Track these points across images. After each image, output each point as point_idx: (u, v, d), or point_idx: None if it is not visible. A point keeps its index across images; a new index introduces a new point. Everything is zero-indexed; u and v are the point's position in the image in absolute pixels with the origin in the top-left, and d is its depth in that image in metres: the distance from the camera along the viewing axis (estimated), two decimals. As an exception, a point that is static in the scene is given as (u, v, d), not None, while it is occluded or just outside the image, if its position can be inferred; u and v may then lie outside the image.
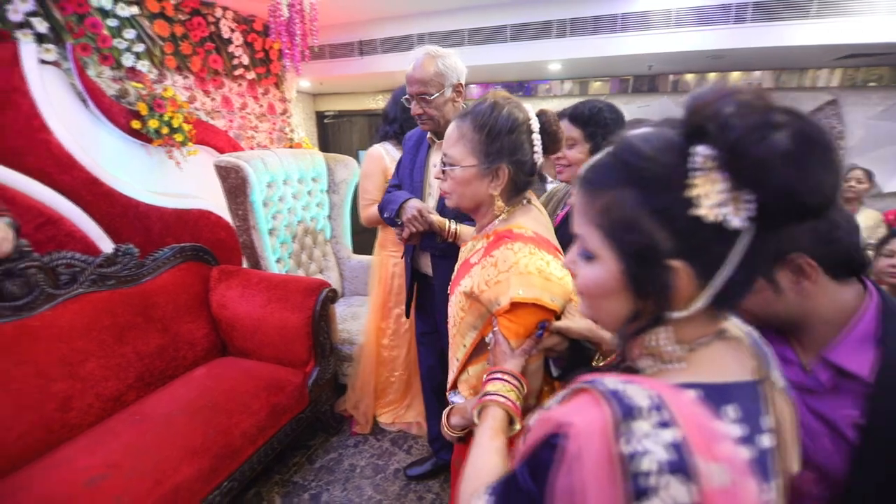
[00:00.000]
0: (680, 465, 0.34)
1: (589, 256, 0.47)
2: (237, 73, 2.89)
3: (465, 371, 0.86)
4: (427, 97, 1.34)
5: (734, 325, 0.49)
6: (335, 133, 4.46)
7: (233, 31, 2.79)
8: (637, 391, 0.38)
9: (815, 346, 0.70)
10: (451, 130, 0.87)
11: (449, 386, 0.91)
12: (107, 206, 2.17)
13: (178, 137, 2.41)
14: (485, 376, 0.76)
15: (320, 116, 4.39)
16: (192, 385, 1.64)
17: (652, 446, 0.35)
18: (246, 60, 2.92)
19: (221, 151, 2.79)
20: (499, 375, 0.73)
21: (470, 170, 0.84)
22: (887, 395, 0.63)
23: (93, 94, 2.11)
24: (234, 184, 2.03)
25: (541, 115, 0.89)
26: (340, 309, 2.40)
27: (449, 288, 0.95)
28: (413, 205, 1.32)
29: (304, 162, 2.49)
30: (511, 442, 0.67)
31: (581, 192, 0.47)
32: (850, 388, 0.66)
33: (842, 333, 0.67)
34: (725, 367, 0.45)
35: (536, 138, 0.86)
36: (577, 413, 0.39)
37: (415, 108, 1.38)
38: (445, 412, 0.86)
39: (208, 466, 1.37)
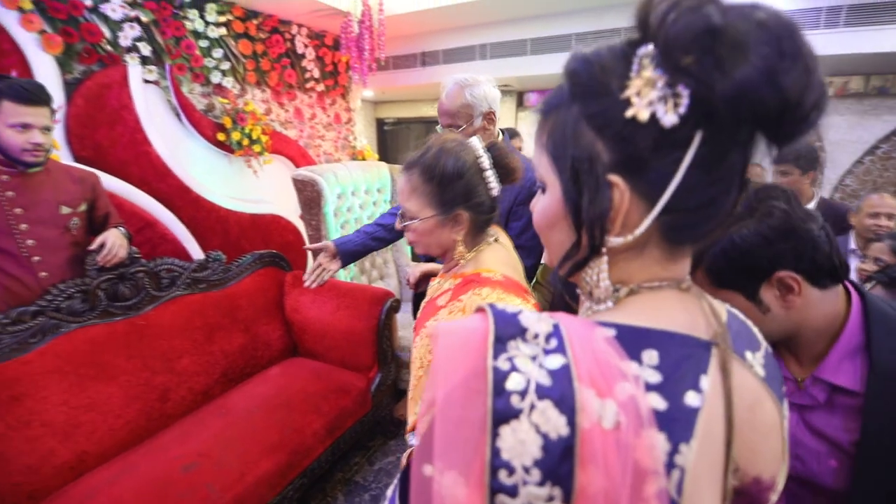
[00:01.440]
0: (556, 392, 0.31)
1: (542, 188, 0.43)
2: (308, 85, 3.05)
3: None
4: (456, 128, 1.36)
5: (709, 300, 0.42)
6: (394, 139, 4.59)
7: (306, 46, 2.95)
8: (536, 318, 0.35)
9: (808, 360, 0.69)
10: (402, 183, 0.86)
11: (408, 427, 0.86)
12: (193, 210, 2.37)
13: (257, 148, 2.59)
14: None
15: (380, 123, 4.53)
16: (268, 383, 1.76)
17: (529, 368, 0.32)
18: (317, 73, 3.08)
19: (293, 160, 2.97)
20: None
21: (429, 220, 0.84)
22: (877, 405, 0.62)
23: (186, 109, 2.31)
24: (310, 196, 2.15)
25: (491, 148, 0.86)
26: (399, 316, 2.48)
27: (414, 326, 0.93)
28: (412, 272, 1.33)
29: (370, 174, 2.60)
30: None
31: (538, 122, 0.42)
32: (845, 403, 0.65)
33: (832, 348, 0.66)
34: (662, 314, 0.38)
35: (489, 175, 0.84)
36: (458, 322, 0.36)
37: None
38: (405, 456, 0.81)
39: (285, 462, 1.47)
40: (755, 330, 0.46)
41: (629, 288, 0.39)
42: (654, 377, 0.34)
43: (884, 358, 0.62)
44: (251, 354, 1.84)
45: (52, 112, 1.37)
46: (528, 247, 1.39)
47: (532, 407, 0.31)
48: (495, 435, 0.31)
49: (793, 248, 0.62)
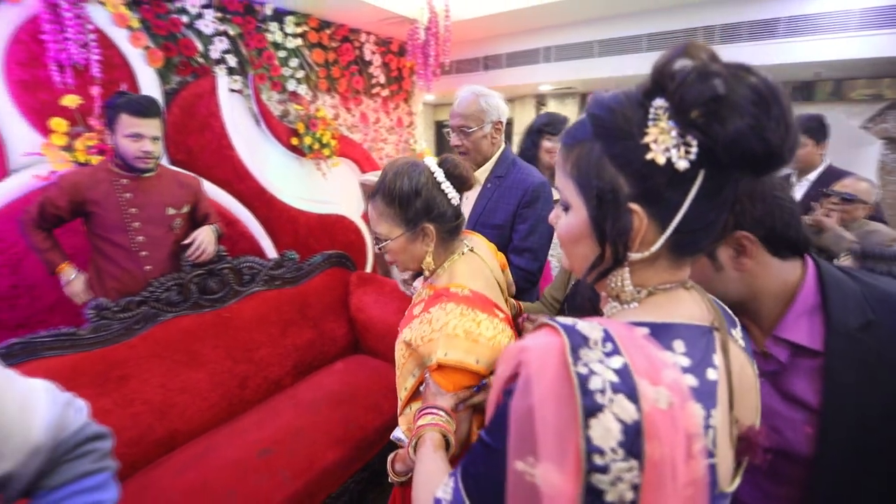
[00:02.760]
0: (625, 387, 0.38)
1: (567, 207, 0.51)
2: (374, 91, 3.16)
3: (409, 406, 0.91)
4: (466, 129, 1.43)
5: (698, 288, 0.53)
6: (451, 141, 4.64)
7: (373, 53, 3.06)
8: (588, 326, 0.42)
9: (767, 327, 0.71)
10: (370, 212, 0.94)
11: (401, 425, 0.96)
12: (267, 210, 2.53)
13: (326, 151, 2.72)
14: (417, 413, 0.80)
15: (439, 126, 4.60)
16: (333, 377, 1.85)
17: (601, 369, 0.39)
18: (382, 79, 3.17)
19: (358, 162, 3.09)
20: (431, 410, 0.78)
21: (399, 239, 0.91)
22: (837, 363, 0.63)
23: (265, 116, 2.48)
24: (375, 198, 2.23)
25: (443, 162, 0.93)
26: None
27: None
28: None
29: (431, 176, 2.64)
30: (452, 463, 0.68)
31: (560, 149, 0.51)
32: (808, 365, 0.66)
33: (788, 309, 0.68)
34: (678, 309, 0.48)
35: (447, 186, 0.91)
36: (535, 339, 0.43)
37: (454, 140, 1.47)
38: (390, 458, 0.89)
39: (348, 456, 1.54)
40: (728, 310, 0.56)
41: (648, 290, 0.49)
42: (685, 361, 0.43)
43: (840, 316, 0.64)
44: (318, 349, 1.94)
45: (163, 123, 1.52)
46: (534, 249, 1.43)
47: (611, 401, 0.38)
48: (587, 427, 0.38)
49: (758, 212, 0.65)
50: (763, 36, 2.36)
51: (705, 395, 0.43)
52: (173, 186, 1.62)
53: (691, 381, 0.42)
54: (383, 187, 0.91)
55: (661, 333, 0.44)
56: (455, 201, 0.93)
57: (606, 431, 0.37)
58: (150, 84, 1.98)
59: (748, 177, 0.44)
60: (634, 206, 0.45)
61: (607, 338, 0.41)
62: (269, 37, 2.45)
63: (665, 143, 0.41)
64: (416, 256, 0.94)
